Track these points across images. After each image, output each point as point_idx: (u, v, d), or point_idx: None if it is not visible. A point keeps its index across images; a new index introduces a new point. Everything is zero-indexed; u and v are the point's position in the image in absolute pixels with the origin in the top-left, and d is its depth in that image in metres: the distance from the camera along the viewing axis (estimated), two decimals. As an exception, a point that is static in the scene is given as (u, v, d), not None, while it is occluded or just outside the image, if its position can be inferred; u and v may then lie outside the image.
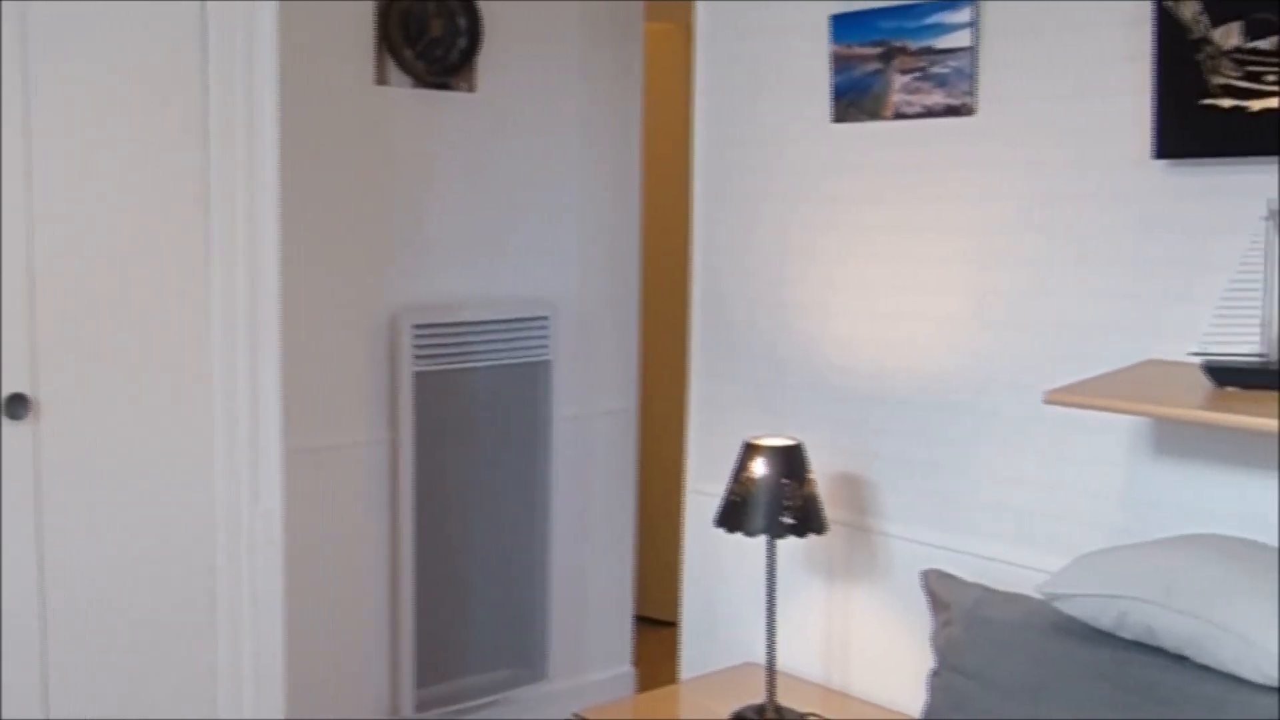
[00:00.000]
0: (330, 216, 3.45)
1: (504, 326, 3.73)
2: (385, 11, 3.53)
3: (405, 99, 3.57)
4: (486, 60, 3.69)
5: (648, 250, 3.98)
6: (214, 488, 2.95)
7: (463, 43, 3.67)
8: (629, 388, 3.95)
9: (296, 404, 3.39)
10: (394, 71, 3.56)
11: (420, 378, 3.61)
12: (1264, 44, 2.12)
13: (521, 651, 3.84)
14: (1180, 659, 2.12)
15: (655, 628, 3.98)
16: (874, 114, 2.79)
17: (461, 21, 3.66)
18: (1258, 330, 2.17)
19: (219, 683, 2.97)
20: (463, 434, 3.70)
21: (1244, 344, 2.19)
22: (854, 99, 2.82)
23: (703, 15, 3.21)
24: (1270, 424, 1.94)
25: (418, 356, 3.59)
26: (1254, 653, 2.00)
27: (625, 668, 3.99)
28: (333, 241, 3.45)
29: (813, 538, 2.88)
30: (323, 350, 3.45)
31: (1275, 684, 1.99)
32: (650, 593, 4.20)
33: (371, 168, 3.51)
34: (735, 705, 2.83)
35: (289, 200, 3.34)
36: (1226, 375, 2.12)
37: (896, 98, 2.74)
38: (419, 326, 3.59)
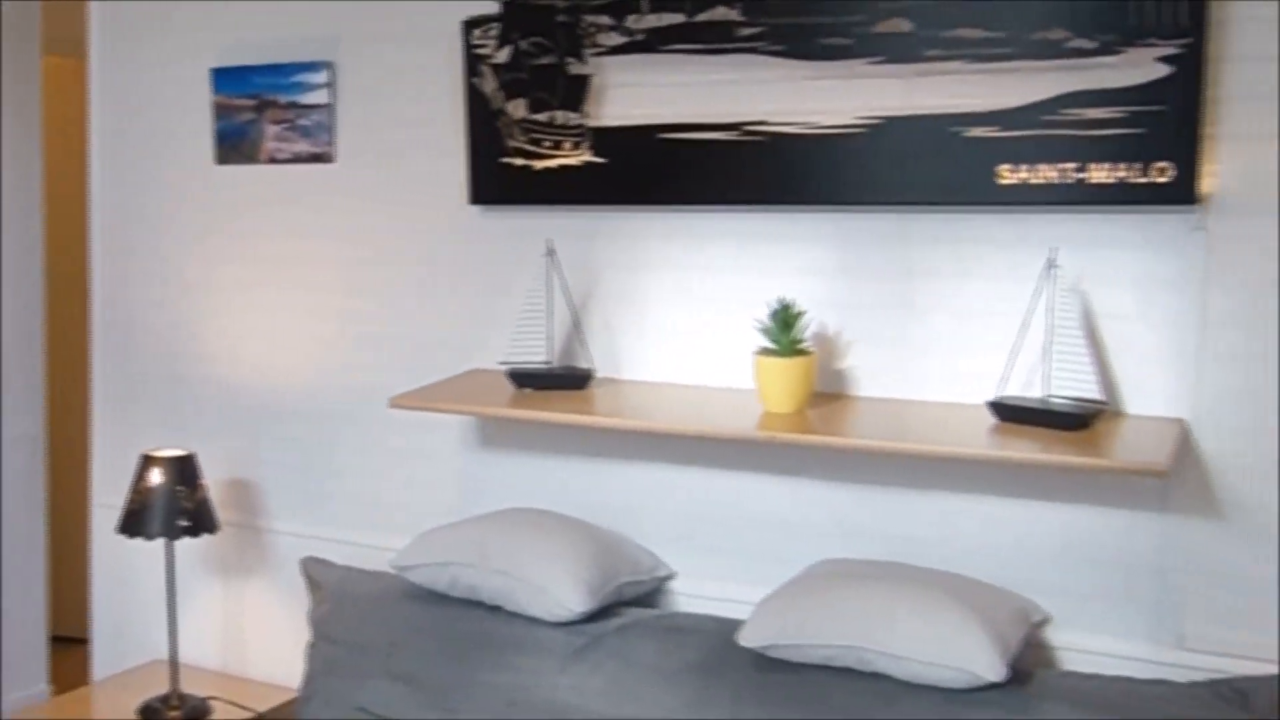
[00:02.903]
0: None
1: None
2: None
3: None
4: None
5: (53, 279, 4.07)
6: None
7: None
8: (35, 413, 4.01)
9: None
10: None
11: None
12: (541, 117, 2.68)
13: (-71, 679, 3.83)
14: (496, 609, 2.64)
15: (75, 646, 4.08)
16: (251, 158, 3.14)
17: None
18: (544, 343, 2.74)
19: None
20: None
21: (536, 354, 2.74)
22: (234, 144, 3.16)
23: (95, 59, 3.41)
24: (552, 416, 2.49)
25: None
26: (544, 598, 2.55)
27: (41, 686, 4.05)
28: None
29: (211, 540, 3.18)
30: None
31: (562, 620, 2.54)
32: (68, 612, 4.27)
33: None
34: (143, 698, 3.07)
35: None
36: (524, 379, 2.66)
37: (270, 145, 3.10)
38: None
